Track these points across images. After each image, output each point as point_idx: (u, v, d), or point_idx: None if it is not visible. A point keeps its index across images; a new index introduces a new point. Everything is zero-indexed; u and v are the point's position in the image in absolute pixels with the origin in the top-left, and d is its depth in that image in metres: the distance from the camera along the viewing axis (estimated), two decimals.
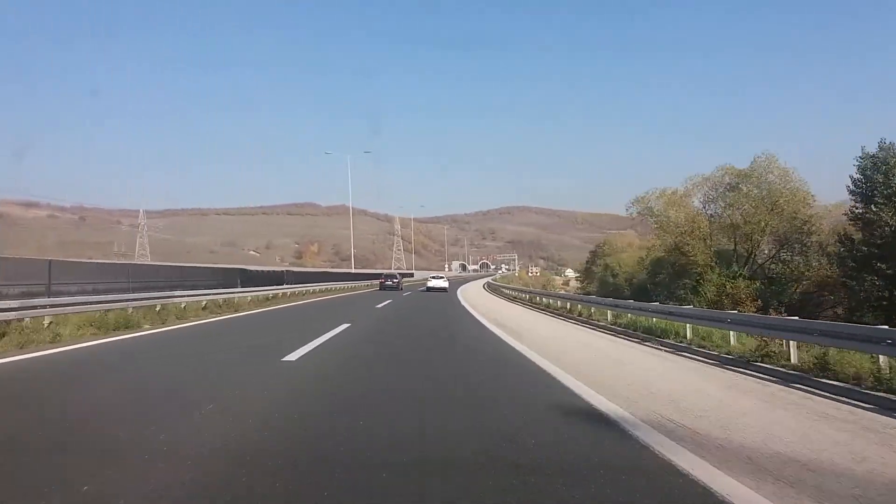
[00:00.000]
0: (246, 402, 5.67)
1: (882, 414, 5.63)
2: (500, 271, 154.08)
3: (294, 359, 8.46)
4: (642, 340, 12.35)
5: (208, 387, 6.49)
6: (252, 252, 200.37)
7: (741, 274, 38.05)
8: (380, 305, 23.94)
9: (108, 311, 13.55)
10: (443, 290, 42.06)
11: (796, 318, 8.98)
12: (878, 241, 31.39)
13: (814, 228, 36.93)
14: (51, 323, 11.73)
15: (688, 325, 11.73)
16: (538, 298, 28.07)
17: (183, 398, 5.85)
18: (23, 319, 11.12)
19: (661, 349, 11.02)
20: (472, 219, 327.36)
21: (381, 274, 57.01)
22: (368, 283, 52.58)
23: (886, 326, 7.30)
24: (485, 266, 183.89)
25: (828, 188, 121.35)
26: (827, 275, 35.51)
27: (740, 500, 3.18)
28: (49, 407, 5.53)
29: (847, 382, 7.04)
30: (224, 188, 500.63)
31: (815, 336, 7.80)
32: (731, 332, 10.30)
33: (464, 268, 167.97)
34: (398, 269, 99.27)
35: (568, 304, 21.79)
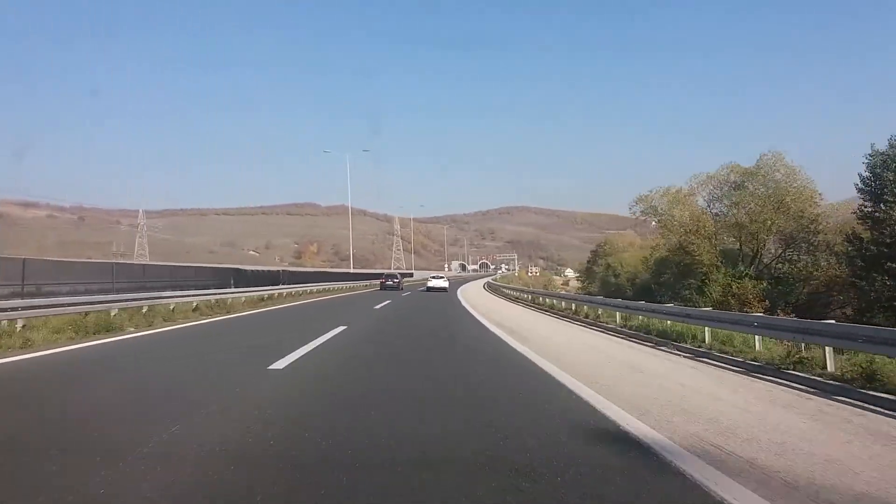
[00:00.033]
0: (208, 428, 4.90)
1: None
2: (499, 271, 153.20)
3: (282, 367, 7.70)
4: (656, 345, 11.57)
5: (176, 404, 5.73)
6: (251, 252, 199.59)
7: (747, 274, 37.32)
8: (378, 306, 23.22)
9: (89, 313, 12.78)
10: (443, 290, 41.92)
11: (832, 321, 8.20)
12: (889, 241, 30.68)
13: (821, 227, 36.17)
14: (24, 326, 10.96)
15: (706, 328, 10.96)
16: (541, 299, 27.29)
17: (144, 414, 5.09)
18: None
19: (679, 355, 10.25)
20: (471, 219, 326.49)
21: (380, 274, 56.67)
22: (367, 283, 51.87)
23: None
24: (484, 266, 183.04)
25: (828, 188, 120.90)
26: (835, 275, 34.77)
27: None
28: None
29: None
30: (224, 188, 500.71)
31: (859, 343, 7.03)
32: (756, 337, 9.53)
33: (463, 268, 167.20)
34: (398, 268, 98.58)
35: (573, 305, 21.00)
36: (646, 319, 13.85)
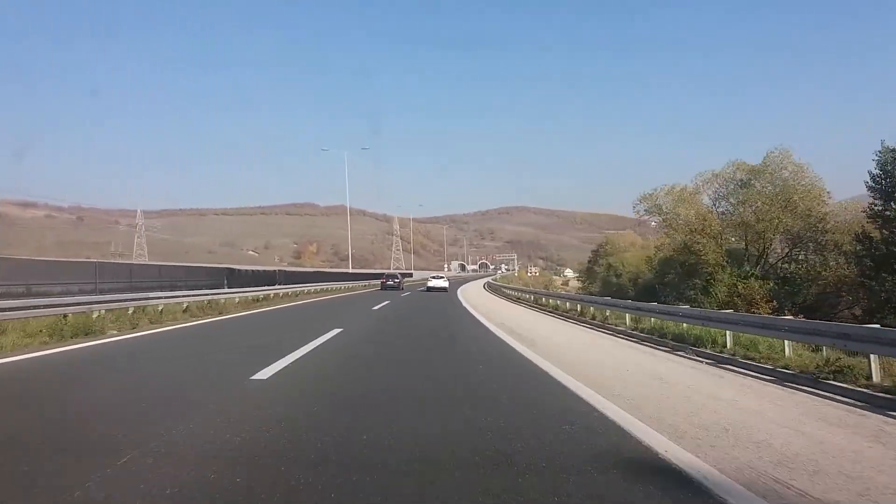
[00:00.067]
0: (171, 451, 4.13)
1: None
2: (499, 271, 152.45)
3: (265, 377, 6.93)
4: (673, 349, 10.81)
5: (134, 422, 4.95)
6: (251, 252, 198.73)
7: (753, 273, 36.57)
8: (377, 307, 22.49)
9: (67, 315, 11.99)
10: (443, 290, 41.78)
11: (876, 325, 7.43)
12: None
13: (829, 227, 35.38)
14: None
15: (727, 332, 10.20)
16: (544, 299, 26.52)
17: (99, 434, 4.32)
18: None
19: (699, 361, 9.49)
20: (470, 219, 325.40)
21: (380, 274, 56.21)
22: (366, 283, 51.12)
23: None
24: (484, 266, 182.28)
25: (828, 187, 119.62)
26: (844, 275, 34.01)
27: None
28: None
29: None
30: (223, 188, 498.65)
31: None
32: (786, 342, 8.76)
33: (463, 268, 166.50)
34: (397, 268, 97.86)
35: (578, 306, 20.22)
36: (659, 322, 13.09)
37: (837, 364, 7.29)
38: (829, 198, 36.76)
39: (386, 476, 3.46)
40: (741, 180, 38.18)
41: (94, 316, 13.15)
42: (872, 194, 32.20)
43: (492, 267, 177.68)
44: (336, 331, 12.44)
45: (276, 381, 6.70)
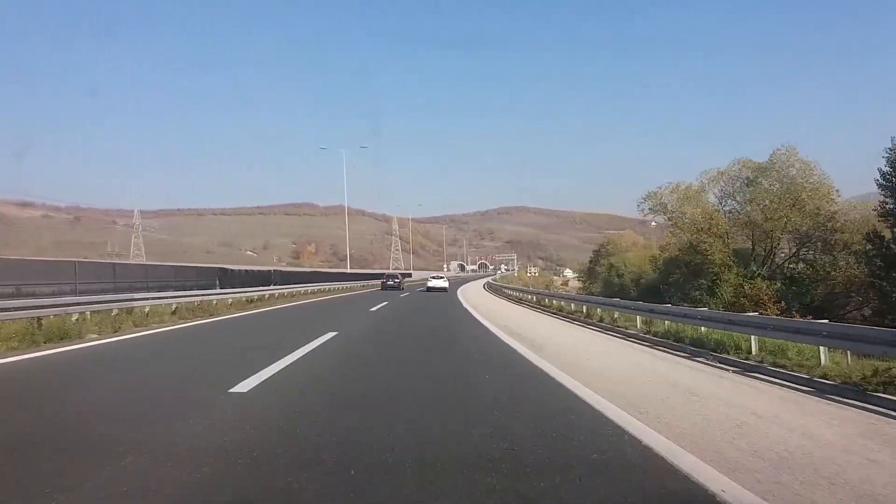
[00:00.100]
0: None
1: None
2: (499, 271, 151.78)
3: (245, 390, 6.14)
4: (692, 355, 10.04)
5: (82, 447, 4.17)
6: (249, 252, 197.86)
7: (760, 273, 35.82)
8: (374, 308, 21.74)
9: (42, 318, 11.20)
10: (443, 290, 41.37)
11: None
12: None
13: (838, 226, 34.63)
14: None
15: (752, 336, 9.42)
16: (546, 300, 25.73)
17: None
18: None
19: (725, 368, 8.72)
20: (470, 219, 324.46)
21: (379, 274, 55.69)
22: (365, 283, 50.35)
23: None
24: (483, 266, 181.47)
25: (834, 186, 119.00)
26: (853, 275, 33.29)
27: None
28: None
29: None
30: (222, 188, 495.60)
31: None
32: (822, 349, 7.97)
33: (462, 268, 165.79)
34: (396, 268, 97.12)
35: (584, 307, 19.43)
36: (673, 325, 12.31)
37: (888, 374, 6.51)
38: (838, 196, 36.05)
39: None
40: (747, 178, 37.43)
41: (74, 318, 12.39)
42: (883, 192, 31.47)
43: (491, 267, 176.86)
44: (331, 334, 11.72)
45: (258, 394, 5.93)
